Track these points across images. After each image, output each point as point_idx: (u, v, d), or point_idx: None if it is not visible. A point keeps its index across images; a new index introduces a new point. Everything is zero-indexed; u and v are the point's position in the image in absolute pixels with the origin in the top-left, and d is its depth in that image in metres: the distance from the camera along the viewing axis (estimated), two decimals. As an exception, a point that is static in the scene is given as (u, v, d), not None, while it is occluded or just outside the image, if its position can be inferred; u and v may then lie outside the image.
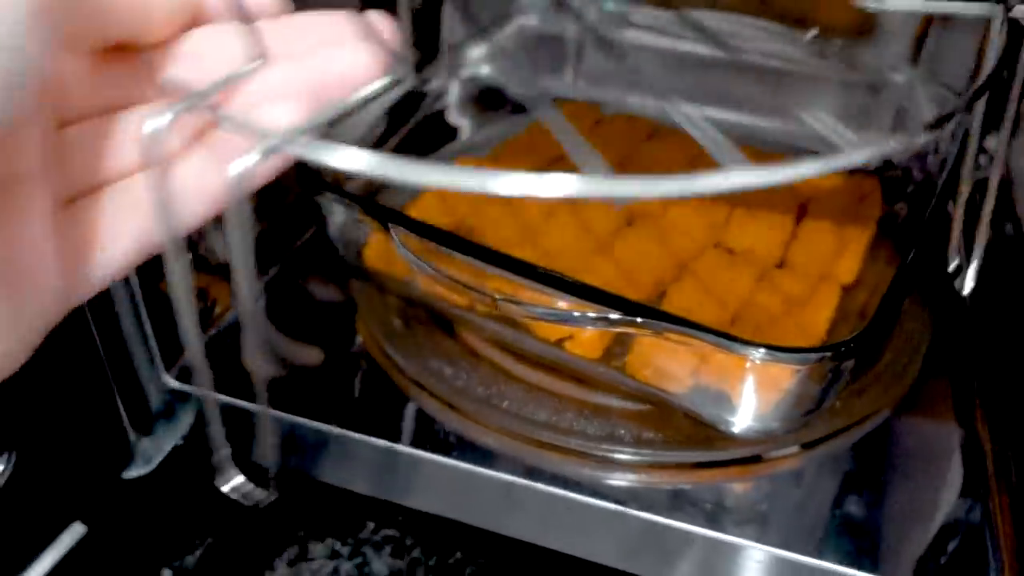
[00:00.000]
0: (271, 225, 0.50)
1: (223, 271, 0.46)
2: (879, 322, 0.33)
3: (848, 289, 0.44)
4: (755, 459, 0.39)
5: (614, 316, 0.33)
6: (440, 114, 0.64)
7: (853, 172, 0.53)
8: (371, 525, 0.44)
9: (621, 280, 0.42)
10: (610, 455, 0.37)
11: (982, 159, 0.58)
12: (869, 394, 0.41)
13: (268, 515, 0.45)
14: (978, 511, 0.36)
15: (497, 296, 0.35)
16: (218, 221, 0.45)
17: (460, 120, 0.65)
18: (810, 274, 0.44)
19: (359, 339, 0.45)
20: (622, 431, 0.38)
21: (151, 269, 0.40)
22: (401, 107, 0.60)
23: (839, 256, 0.45)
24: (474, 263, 0.36)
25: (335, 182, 0.48)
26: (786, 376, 0.34)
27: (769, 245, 0.46)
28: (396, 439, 0.39)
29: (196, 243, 0.43)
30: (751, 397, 0.35)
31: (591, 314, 0.33)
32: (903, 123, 0.55)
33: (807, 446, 0.39)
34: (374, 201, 0.40)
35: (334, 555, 0.43)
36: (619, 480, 0.37)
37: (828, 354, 0.32)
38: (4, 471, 0.34)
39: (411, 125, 0.60)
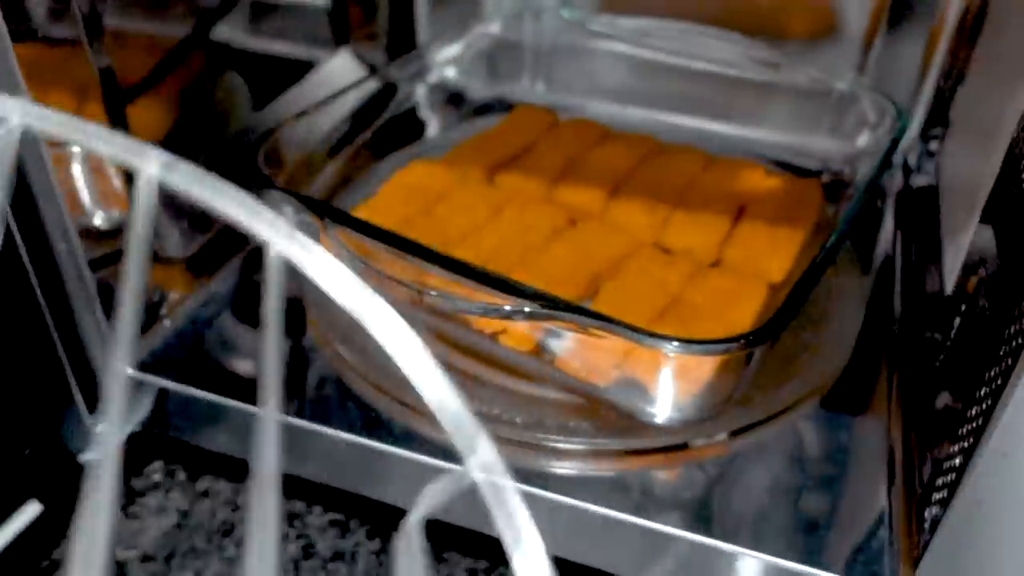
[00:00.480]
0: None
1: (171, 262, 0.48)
2: (781, 315, 0.35)
3: (777, 288, 0.46)
4: (682, 447, 0.41)
5: (530, 309, 0.35)
6: (412, 113, 0.67)
7: (795, 175, 0.55)
8: (317, 509, 0.46)
9: (558, 277, 0.44)
10: (539, 442, 0.39)
11: (927, 164, 0.60)
12: (796, 383, 0.43)
13: (217, 500, 0.47)
14: (884, 499, 0.38)
15: (424, 290, 0.37)
16: (173, 213, 0.47)
17: (429, 119, 0.67)
18: (741, 272, 0.46)
19: (311, 334, 0.47)
20: (551, 420, 0.40)
21: (104, 261, 0.42)
22: (375, 104, 0.62)
23: (771, 256, 0.47)
24: (405, 258, 0.38)
25: (289, 181, 0.50)
26: (699, 367, 0.36)
27: (706, 245, 0.48)
28: (341, 427, 0.41)
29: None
30: (669, 388, 0.37)
31: (507, 307, 0.35)
32: (844, 128, 0.57)
33: (735, 434, 0.41)
34: (316, 200, 0.41)
35: (282, 537, 0.45)
36: (548, 467, 0.39)
37: (732, 344, 0.34)
38: (-43, 450, 0.36)
39: (381, 122, 0.62)
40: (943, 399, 0.36)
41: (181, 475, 0.48)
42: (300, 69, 0.62)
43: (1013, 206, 0.35)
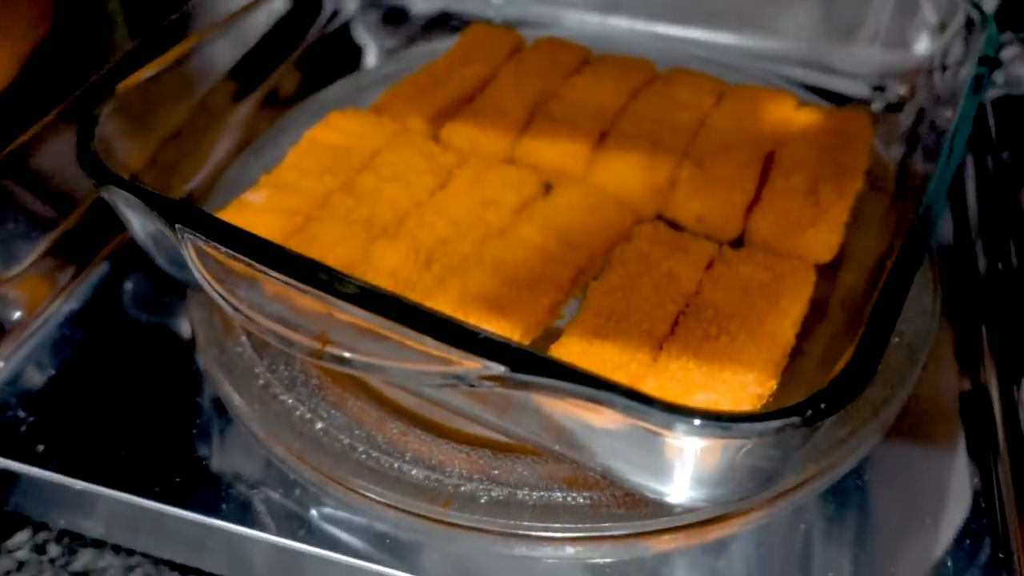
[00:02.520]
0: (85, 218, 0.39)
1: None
2: (864, 358, 0.23)
3: (825, 269, 0.34)
4: (701, 523, 0.29)
5: (492, 373, 0.23)
6: (343, 32, 0.53)
7: (835, 104, 0.42)
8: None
9: (529, 277, 0.32)
10: (512, 532, 0.28)
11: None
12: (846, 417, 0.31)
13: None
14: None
15: (327, 343, 0.25)
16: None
17: (365, 44, 0.54)
18: (776, 253, 0.34)
19: (200, 371, 0.35)
20: (526, 492, 0.29)
21: None
22: (292, 28, 0.48)
23: (814, 225, 0.35)
24: (293, 285, 0.25)
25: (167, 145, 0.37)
26: (729, 442, 0.24)
27: (725, 212, 0.36)
28: (242, 519, 0.30)
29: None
30: (688, 463, 0.25)
31: (457, 371, 0.23)
32: (895, 32, 0.43)
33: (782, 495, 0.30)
34: (169, 199, 0.28)
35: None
36: (527, 556, 0.28)
37: (788, 420, 0.22)
38: None
39: (301, 51, 0.49)
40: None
41: (54, 549, 0.37)
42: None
43: None
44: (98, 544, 0.37)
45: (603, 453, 0.26)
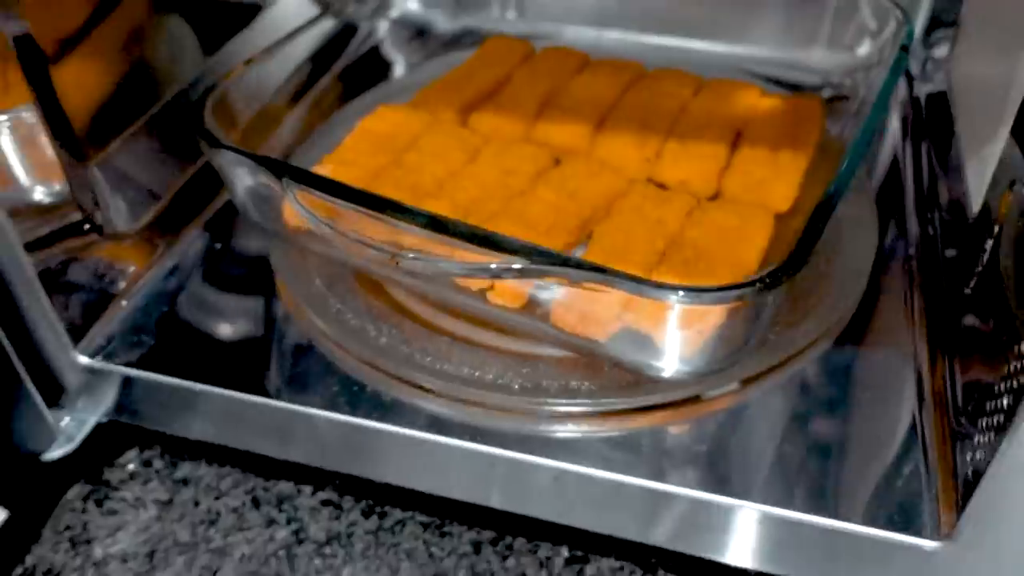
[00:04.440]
0: (185, 186, 0.47)
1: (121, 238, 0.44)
2: (799, 251, 0.32)
3: (784, 217, 0.42)
4: (693, 400, 0.37)
5: (520, 266, 0.31)
6: (375, 52, 0.62)
7: (793, 93, 0.51)
8: (307, 489, 0.43)
9: (545, 224, 0.41)
10: (538, 407, 0.36)
11: (932, 71, 0.56)
12: (811, 321, 0.40)
13: (199, 487, 0.44)
14: (915, 436, 0.35)
15: (399, 253, 0.33)
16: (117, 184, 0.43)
17: (394, 58, 0.62)
18: (744, 205, 0.42)
19: (282, 305, 0.43)
20: (550, 381, 0.37)
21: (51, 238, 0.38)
22: (334, 46, 0.57)
23: (775, 183, 0.43)
24: (376, 217, 0.34)
25: (243, 138, 0.46)
26: (708, 315, 0.33)
27: (703, 176, 0.45)
28: (325, 406, 0.38)
29: (89, 212, 0.41)
30: (676, 339, 0.34)
31: (494, 265, 0.32)
32: (842, 38, 0.52)
33: (748, 381, 0.38)
34: (273, 159, 0.37)
35: (270, 523, 0.42)
36: (550, 432, 0.36)
37: (746, 290, 0.30)
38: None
39: (342, 65, 0.58)
40: (978, 326, 0.33)
41: (159, 463, 0.45)
42: (249, 13, 0.57)
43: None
44: (194, 458, 0.45)
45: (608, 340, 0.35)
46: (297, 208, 0.35)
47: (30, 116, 0.40)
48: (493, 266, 0.32)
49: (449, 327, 0.40)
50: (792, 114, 0.48)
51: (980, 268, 0.34)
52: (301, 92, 0.53)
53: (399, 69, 0.61)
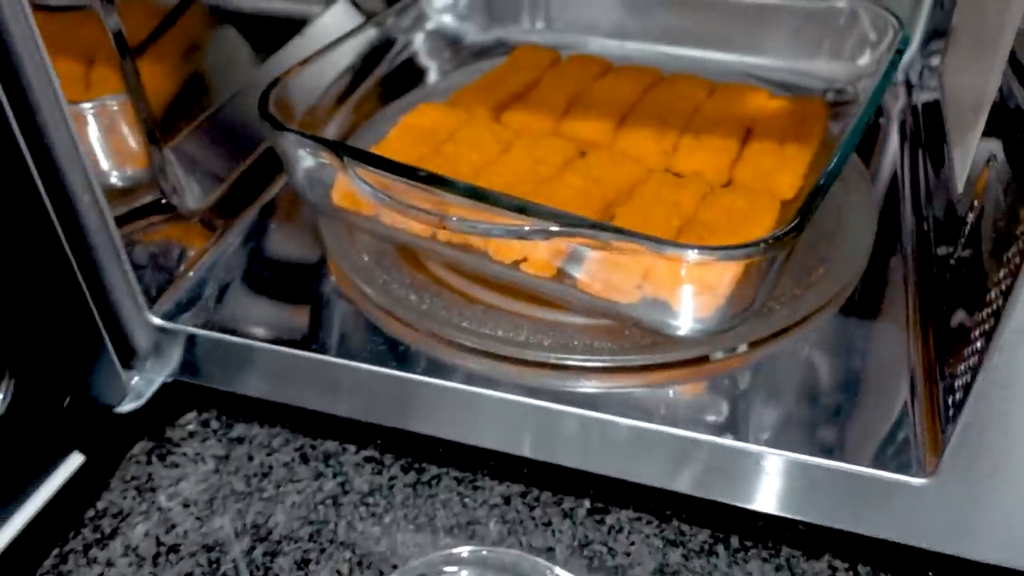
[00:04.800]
0: (244, 174, 0.52)
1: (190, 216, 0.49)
2: (800, 216, 0.36)
3: (789, 204, 0.46)
4: (704, 359, 0.41)
5: (554, 228, 0.36)
6: (411, 62, 0.67)
7: (799, 95, 0.55)
8: (351, 448, 0.47)
9: (572, 206, 0.45)
10: (565, 362, 0.40)
11: (929, 80, 0.60)
12: (813, 294, 0.44)
13: (253, 445, 0.48)
14: (906, 388, 0.39)
15: (445, 217, 0.38)
16: (189, 167, 0.47)
17: (428, 66, 0.67)
18: (753, 191, 0.46)
19: (331, 277, 0.48)
20: (575, 341, 0.41)
21: (125, 218, 0.43)
22: (375, 55, 0.62)
23: (781, 173, 0.47)
24: (424, 190, 0.38)
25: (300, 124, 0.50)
26: (720, 276, 0.37)
27: (716, 167, 0.49)
28: (370, 362, 0.42)
29: (166, 192, 0.46)
30: (691, 300, 0.38)
31: (528, 228, 0.36)
32: (845, 50, 0.57)
33: (755, 344, 0.42)
34: (332, 140, 0.42)
35: (318, 476, 0.46)
36: (575, 387, 0.40)
37: (753, 248, 0.35)
38: (4, 398, 0.37)
39: (382, 73, 0.63)
40: (959, 289, 0.37)
41: (215, 424, 0.49)
42: (295, 27, 0.62)
43: (1014, 122, 0.35)
44: (248, 420, 0.50)
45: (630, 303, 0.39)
46: (356, 182, 0.40)
47: (113, 104, 0.45)
48: (527, 228, 0.36)
49: (484, 298, 0.45)
50: (798, 114, 0.52)
51: (963, 239, 0.38)
52: (344, 96, 0.58)
53: (433, 76, 0.66)
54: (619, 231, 0.36)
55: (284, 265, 0.49)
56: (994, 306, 0.31)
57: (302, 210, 0.53)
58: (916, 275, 0.45)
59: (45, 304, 0.40)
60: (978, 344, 0.32)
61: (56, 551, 0.43)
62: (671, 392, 0.40)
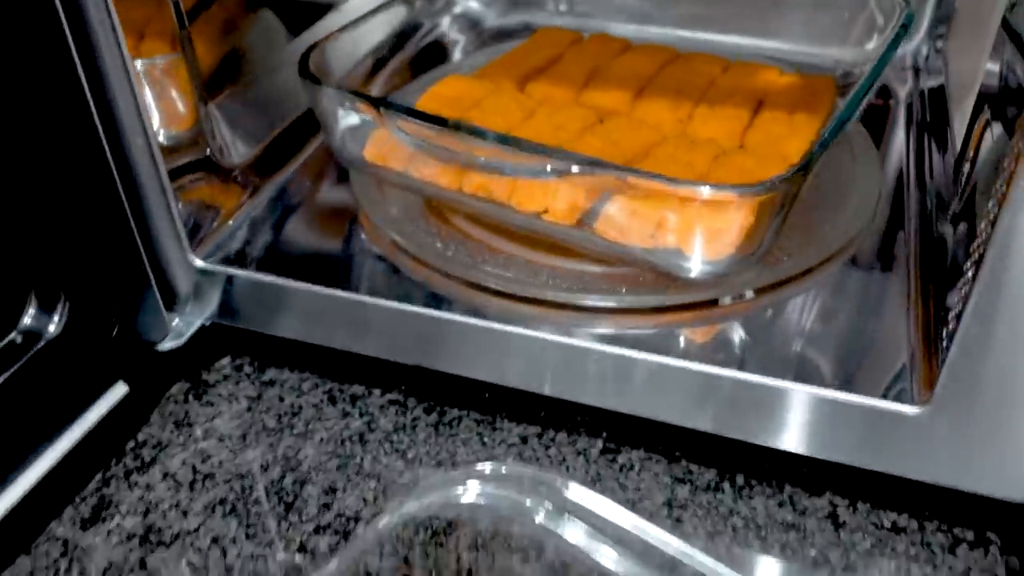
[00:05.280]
0: (281, 135, 0.56)
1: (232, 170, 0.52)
2: (807, 162, 0.39)
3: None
4: (712, 303, 0.44)
5: (577, 168, 0.38)
6: (436, 44, 0.70)
7: (809, 72, 0.58)
8: (376, 391, 0.50)
9: (592, 162, 0.48)
10: (582, 301, 0.43)
11: (935, 63, 0.63)
12: (818, 248, 0.46)
13: (284, 387, 0.51)
14: (903, 324, 0.41)
15: (476, 159, 0.40)
16: (232, 123, 0.51)
17: (452, 47, 0.70)
18: (763, 154, 0.49)
19: (362, 229, 0.51)
20: (591, 284, 0.44)
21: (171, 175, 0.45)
22: (403, 36, 0.65)
23: (790, 139, 0.50)
24: (458, 137, 0.41)
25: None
26: (730, 220, 0.39)
27: (728, 134, 0.51)
28: (397, 300, 0.45)
29: (212, 147, 0.49)
30: (701, 244, 0.40)
31: (549, 167, 0.39)
32: (853, 35, 0.60)
33: (761, 291, 0.45)
34: (369, 95, 0.45)
35: (345, 415, 0.49)
36: (591, 327, 0.43)
37: (757, 188, 0.37)
38: (60, 319, 0.40)
39: (411, 51, 0.66)
40: (956, 233, 0.39)
41: (248, 368, 0.52)
42: (323, 10, 0.65)
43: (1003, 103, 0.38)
44: (279, 365, 0.52)
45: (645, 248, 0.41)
46: (395, 133, 0.43)
47: (163, 62, 0.48)
48: (549, 167, 0.39)
49: (505, 248, 0.47)
50: (807, 87, 0.55)
51: (960, 192, 0.41)
52: (373, 73, 0.61)
53: (457, 56, 0.69)
54: (635, 171, 0.38)
55: (317, 217, 0.52)
56: (983, 236, 0.33)
57: (333, 170, 0.56)
58: (918, 238, 0.47)
59: (99, 239, 0.43)
60: (969, 274, 0.34)
61: (99, 476, 0.45)
62: (681, 333, 0.43)
